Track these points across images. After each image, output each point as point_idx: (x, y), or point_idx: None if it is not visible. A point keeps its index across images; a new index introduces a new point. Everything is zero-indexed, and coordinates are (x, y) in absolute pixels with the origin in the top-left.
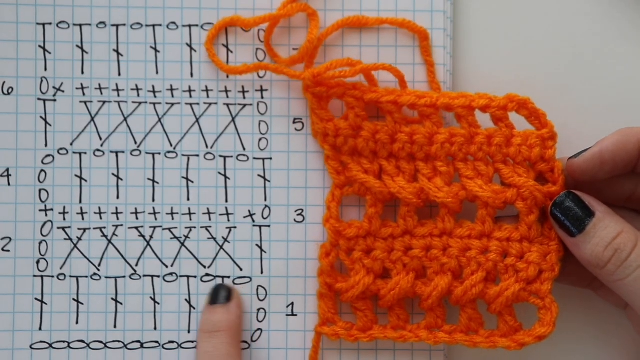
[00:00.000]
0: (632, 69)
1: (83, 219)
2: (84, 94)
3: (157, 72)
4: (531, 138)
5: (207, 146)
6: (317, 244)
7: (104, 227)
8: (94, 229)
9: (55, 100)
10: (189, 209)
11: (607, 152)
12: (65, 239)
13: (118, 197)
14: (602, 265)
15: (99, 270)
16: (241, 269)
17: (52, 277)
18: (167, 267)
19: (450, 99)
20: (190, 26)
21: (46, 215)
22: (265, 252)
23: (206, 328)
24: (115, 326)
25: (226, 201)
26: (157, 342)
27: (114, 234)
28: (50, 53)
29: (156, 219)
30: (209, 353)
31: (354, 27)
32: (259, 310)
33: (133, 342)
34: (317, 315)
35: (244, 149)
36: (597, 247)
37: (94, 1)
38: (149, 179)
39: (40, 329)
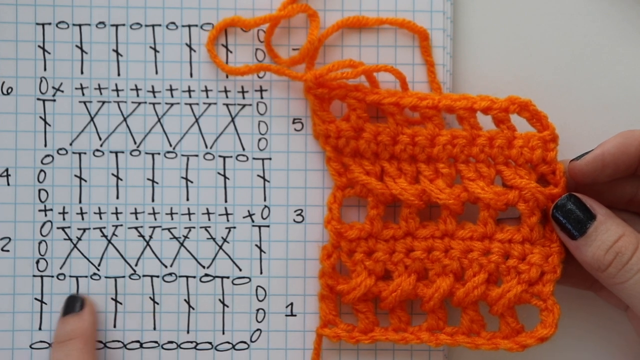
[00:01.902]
0: (632, 69)
1: (83, 219)
2: (83, 94)
3: (156, 72)
4: (533, 140)
5: (206, 146)
6: (317, 245)
7: (104, 227)
8: (94, 229)
9: (54, 100)
10: (189, 209)
11: (608, 154)
12: (64, 239)
13: (118, 197)
14: (603, 269)
15: (98, 270)
16: (240, 269)
17: (52, 277)
18: (166, 267)
19: (452, 100)
20: (189, 26)
21: (46, 215)
22: (264, 252)
23: (59, 339)
24: (114, 326)
25: (225, 201)
26: (156, 342)
27: (113, 234)
28: (49, 53)
29: (156, 219)
30: None
31: (353, 27)
32: (258, 310)
33: (132, 342)
34: (317, 316)
35: (244, 149)
36: (598, 250)
37: (93, 1)
38: (148, 179)
39: (40, 328)
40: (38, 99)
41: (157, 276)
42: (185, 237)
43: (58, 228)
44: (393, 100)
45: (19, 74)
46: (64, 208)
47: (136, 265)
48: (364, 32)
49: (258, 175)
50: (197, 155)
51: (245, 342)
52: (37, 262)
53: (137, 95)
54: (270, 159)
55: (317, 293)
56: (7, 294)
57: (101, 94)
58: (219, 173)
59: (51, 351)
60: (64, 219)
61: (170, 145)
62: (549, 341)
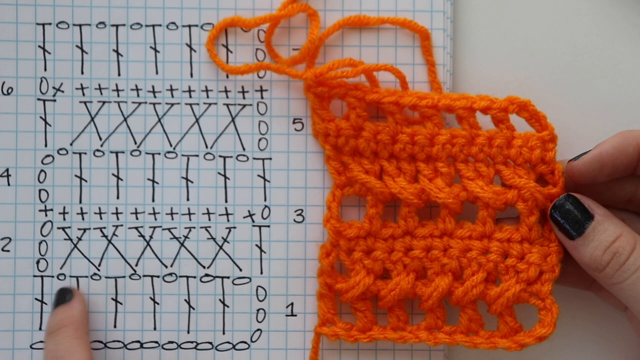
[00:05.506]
0: (632, 69)
1: (83, 219)
2: (83, 94)
3: (156, 72)
4: (532, 140)
5: (206, 146)
6: (317, 244)
7: (104, 227)
8: (94, 229)
9: (55, 101)
10: (189, 209)
11: (606, 155)
12: (65, 239)
13: (118, 197)
14: (600, 269)
15: (99, 270)
16: (241, 269)
17: (52, 277)
18: (166, 267)
19: (452, 100)
20: (190, 26)
21: (46, 215)
22: (264, 252)
23: (50, 329)
24: (115, 326)
25: (226, 201)
26: (156, 342)
27: (114, 234)
28: (50, 53)
29: (156, 219)
30: (52, 351)
31: (354, 27)
32: (258, 310)
33: (133, 342)
34: (317, 316)
35: (244, 149)
36: (596, 250)
37: (93, 1)
38: (148, 179)
39: (40, 329)
40: (38, 99)
41: (158, 276)
42: (186, 237)
43: (58, 228)
44: (393, 99)
45: (19, 74)
46: (64, 208)
47: (136, 265)
48: (364, 31)
49: (258, 175)
50: (197, 155)
51: (245, 342)
52: (38, 262)
53: (138, 95)
54: (270, 159)
55: (316, 292)
56: (7, 294)
57: (101, 94)
58: (219, 173)
59: (44, 344)
60: (64, 219)
61: (171, 145)
62: (547, 341)
